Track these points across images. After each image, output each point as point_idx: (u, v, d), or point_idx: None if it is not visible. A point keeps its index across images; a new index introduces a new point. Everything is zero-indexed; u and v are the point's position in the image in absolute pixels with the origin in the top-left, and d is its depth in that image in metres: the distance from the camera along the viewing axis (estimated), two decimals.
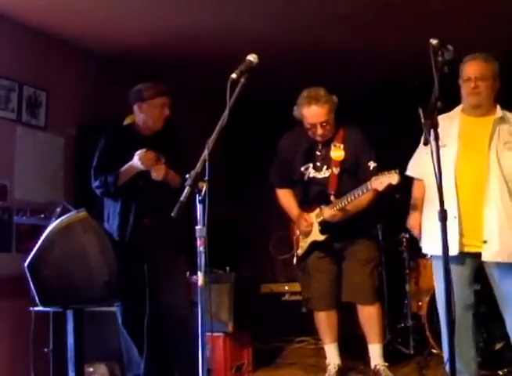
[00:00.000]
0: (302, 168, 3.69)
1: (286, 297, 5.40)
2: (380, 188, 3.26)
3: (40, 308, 2.75)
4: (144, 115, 3.43)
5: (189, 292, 3.47)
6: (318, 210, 3.63)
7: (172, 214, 2.25)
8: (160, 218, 2.27)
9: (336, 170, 3.61)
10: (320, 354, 4.08)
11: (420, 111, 3.48)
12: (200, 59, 4.84)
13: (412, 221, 3.23)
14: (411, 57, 4.35)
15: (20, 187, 4.05)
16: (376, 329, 3.65)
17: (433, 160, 2.29)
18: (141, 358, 3.36)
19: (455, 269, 2.89)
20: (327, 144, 3.64)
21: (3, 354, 3.84)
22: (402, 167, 3.32)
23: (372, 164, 3.55)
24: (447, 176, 2.85)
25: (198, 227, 2.25)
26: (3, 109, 4.01)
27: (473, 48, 3.03)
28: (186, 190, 2.25)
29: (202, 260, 2.23)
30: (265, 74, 2.74)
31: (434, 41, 2.36)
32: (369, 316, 3.64)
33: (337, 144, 3.62)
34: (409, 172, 3.26)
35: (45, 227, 2.83)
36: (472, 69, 2.97)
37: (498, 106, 3.02)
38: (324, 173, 3.64)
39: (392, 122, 5.45)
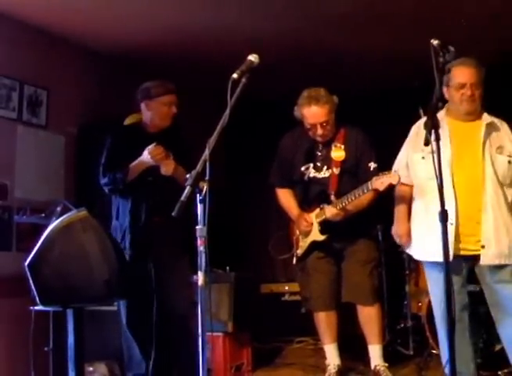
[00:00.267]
0: (302, 168, 3.69)
1: (286, 297, 5.40)
2: (381, 188, 3.25)
3: (40, 307, 2.74)
4: (151, 113, 3.43)
5: (191, 292, 3.47)
6: (318, 210, 3.63)
7: (173, 213, 2.26)
8: (169, 216, 2.26)
9: (336, 170, 3.61)
10: (320, 354, 4.09)
11: (421, 112, 3.49)
12: (201, 58, 4.84)
13: (400, 229, 3.16)
14: (411, 58, 4.35)
15: (21, 186, 4.06)
16: (376, 330, 3.65)
17: (433, 161, 2.29)
18: (142, 357, 3.36)
19: (454, 273, 2.90)
20: (328, 144, 3.65)
21: (3, 353, 3.84)
22: None
23: (372, 165, 3.56)
24: (444, 183, 2.85)
25: (198, 227, 2.25)
26: (4, 108, 4.02)
27: (472, 49, 3.02)
28: (187, 190, 2.26)
29: (202, 260, 2.24)
30: (265, 74, 2.74)
31: (435, 42, 2.36)
32: (368, 317, 3.64)
33: (338, 144, 3.63)
34: None
35: (46, 226, 2.83)
36: (467, 75, 2.92)
37: (485, 112, 3.02)
38: (324, 173, 3.65)
39: (392, 123, 5.44)
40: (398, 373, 3.84)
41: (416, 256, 3.15)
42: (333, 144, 3.63)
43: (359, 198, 3.44)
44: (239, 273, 4.30)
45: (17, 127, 4.10)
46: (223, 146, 2.37)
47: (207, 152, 2.28)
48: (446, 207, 2.78)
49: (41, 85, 4.27)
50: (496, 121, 3.02)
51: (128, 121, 3.86)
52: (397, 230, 3.18)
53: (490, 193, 2.90)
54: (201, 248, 2.24)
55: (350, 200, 3.44)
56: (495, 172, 2.92)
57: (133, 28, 4.36)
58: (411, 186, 3.16)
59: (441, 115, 3.04)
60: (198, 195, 2.25)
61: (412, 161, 3.08)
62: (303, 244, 3.76)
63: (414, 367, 4.03)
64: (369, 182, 3.32)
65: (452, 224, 2.85)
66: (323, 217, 3.59)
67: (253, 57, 2.44)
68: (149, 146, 3.25)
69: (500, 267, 2.91)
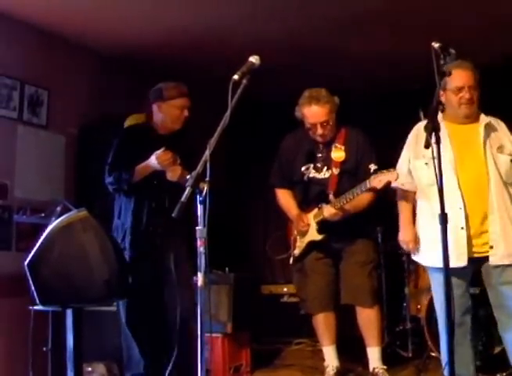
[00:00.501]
0: (303, 168, 3.70)
1: (285, 298, 5.40)
2: (379, 186, 3.26)
3: (39, 307, 2.74)
4: (163, 115, 3.42)
5: (193, 294, 3.47)
6: (316, 209, 3.63)
7: (173, 214, 2.26)
8: (171, 219, 2.26)
9: (336, 170, 3.62)
10: (318, 356, 4.08)
11: (421, 114, 3.49)
12: (204, 59, 4.84)
13: (406, 236, 3.15)
14: (412, 60, 4.35)
15: (21, 186, 4.06)
16: (375, 332, 3.65)
17: (434, 164, 2.29)
18: (141, 357, 3.36)
19: (459, 276, 2.92)
20: (328, 145, 3.66)
21: (2, 352, 3.84)
22: None
23: (372, 167, 3.56)
24: (451, 188, 2.86)
25: (198, 228, 2.25)
26: (4, 107, 4.02)
27: (472, 51, 3.02)
28: (187, 191, 2.26)
29: (202, 261, 2.24)
30: (266, 75, 2.74)
31: (436, 45, 2.36)
32: (367, 320, 3.64)
33: (338, 145, 3.64)
34: (394, 184, 3.20)
35: (46, 226, 2.83)
36: (464, 78, 2.92)
37: (482, 113, 3.02)
38: (324, 174, 3.65)
39: (392, 125, 5.45)
40: (396, 375, 3.84)
41: (424, 262, 3.13)
42: (334, 145, 3.64)
43: (358, 198, 3.45)
44: (239, 275, 4.30)
45: (18, 127, 4.11)
46: (223, 147, 2.37)
47: (207, 153, 2.29)
48: (455, 212, 2.82)
49: (42, 85, 4.28)
50: (493, 120, 3.03)
51: (128, 122, 3.85)
52: (403, 237, 3.17)
53: (495, 193, 2.90)
54: (201, 249, 2.24)
55: (348, 199, 3.44)
56: (499, 172, 2.92)
57: (135, 29, 4.36)
58: (414, 192, 3.15)
59: (439, 119, 3.05)
60: (198, 196, 2.25)
61: (415, 168, 3.07)
62: (300, 244, 3.76)
63: (413, 369, 4.03)
64: (368, 181, 3.32)
65: (462, 228, 2.86)
66: (321, 217, 3.59)
67: (254, 59, 2.44)
68: (158, 151, 3.23)
69: (507, 268, 2.90)
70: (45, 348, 3.12)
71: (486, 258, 2.91)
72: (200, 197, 2.25)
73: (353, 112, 3.82)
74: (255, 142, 6.04)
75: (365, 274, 3.64)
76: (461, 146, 2.97)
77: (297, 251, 3.78)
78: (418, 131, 3.08)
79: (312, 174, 3.68)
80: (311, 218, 3.67)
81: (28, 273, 2.69)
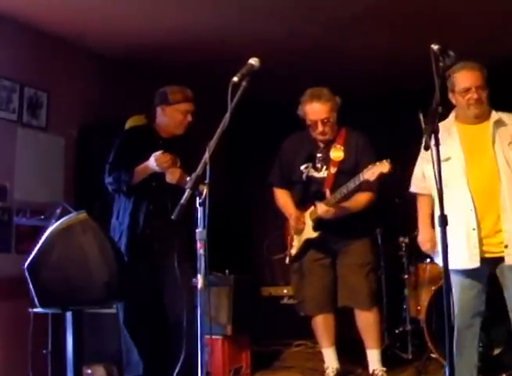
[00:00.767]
0: (302, 167, 3.71)
1: (285, 300, 5.40)
2: (372, 178, 3.28)
3: (39, 309, 2.74)
4: (166, 119, 3.42)
5: (192, 296, 3.47)
6: (312, 207, 3.64)
7: (172, 216, 2.26)
8: (170, 221, 2.27)
9: (333, 169, 3.63)
10: (318, 357, 4.08)
11: (421, 116, 3.49)
12: (203, 59, 4.84)
13: (423, 237, 3.17)
14: (412, 61, 4.35)
15: (20, 188, 4.05)
16: (374, 335, 3.65)
17: (433, 166, 2.29)
18: (140, 359, 3.36)
19: (473, 278, 2.90)
20: (328, 146, 3.67)
21: (1, 355, 3.83)
22: (401, 170, 3.33)
23: None
24: (461, 190, 2.87)
25: (198, 230, 2.25)
26: (4, 110, 4.02)
27: (473, 53, 3.02)
28: (187, 193, 2.26)
29: (202, 263, 2.24)
30: (266, 76, 2.74)
31: (435, 47, 2.35)
32: (366, 323, 3.64)
33: (338, 146, 3.65)
34: (412, 189, 3.24)
35: (45, 228, 2.83)
36: (471, 79, 2.91)
37: (493, 110, 3.01)
38: (323, 173, 3.67)
39: (392, 125, 5.46)
40: None
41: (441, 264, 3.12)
42: (333, 145, 3.66)
43: (355, 198, 3.49)
44: (239, 276, 4.30)
45: (17, 129, 4.10)
46: (224, 149, 2.37)
47: (207, 155, 2.29)
48: (466, 214, 2.83)
49: (41, 87, 4.27)
50: (504, 116, 3.00)
51: (129, 124, 3.86)
52: (420, 237, 3.19)
53: (507, 190, 2.87)
54: (201, 251, 2.24)
55: (343, 193, 3.45)
56: (510, 168, 2.89)
57: (134, 30, 4.36)
58: (430, 195, 3.13)
59: (450, 121, 3.05)
60: (198, 198, 2.25)
61: (426, 172, 3.07)
62: (297, 244, 3.76)
63: (413, 371, 4.03)
64: (361, 174, 3.34)
65: (474, 229, 2.85)
66: (316, 214, 3.59)
67: (253, 61, 2.45)
68: (157, 153, 3.24)
69: None
70: (44, 351, 3.12)
71: (502, 259, 2.88)
72: (200, 199, 2.25)
73: (353, 112, 3.82)
74: (255, 143, 6.05)
75: (362, 276, 3.63)
76: (472, 147, 2.96)
77: (293, 251, 3.78)
78: None
79: (311, 173, 3.69)
80: (308, 216, 3.67)
81: (28, 276, 2.69)
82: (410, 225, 4.60)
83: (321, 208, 3.52)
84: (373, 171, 3.27)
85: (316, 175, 3.68)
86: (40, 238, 2.75)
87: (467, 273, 2.89)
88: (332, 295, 3.71)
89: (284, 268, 4.15)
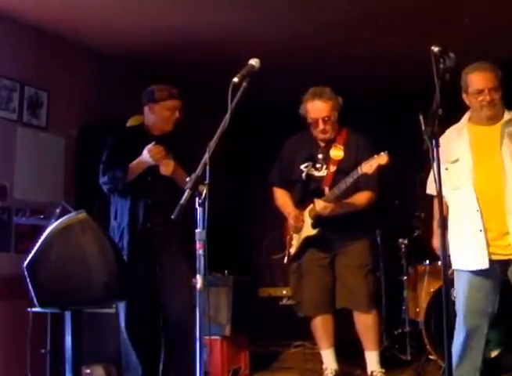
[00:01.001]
0: (302, 167, 3.72)
1: (284, 301, 5.39)
2: (370, 171, 3.29)
3: (38, 309, 2.74)
4: (154, 116, 3.44)
5: (191, 295, 3.47)
6: (311, 205, 3.64)
7: (172, 216, 2.26)
8: (168, 217, 2.27)
9: (332, 168, 3.64)
10: (317, 358, 4.08)
11: (421, 118, 3.48)
12: (203, 59, 4.84)
13: (437, 240, 3.14)
14: (412, 63, 4.35)
15: (20, 187, 4.05)
16: (372, 337, 3.65)
17: (433, 168, 2.29)
18: (139, 362, 3.35)
19: (483, 279, 2.88)
20: (329, 146, 3.67)
21: (0, 355, 3.83)
22: (402, 170, 3.33)
23: None
24: (467, 192, 2.87)
25: (198, 230, 2.25)
26: (4, 109, 4.02)
27: (474, 54, 3.02)
28: (186, 193, 2.26)
29: (201, 263, 2.24)
30: (266, 76, 2.74)
31: (435, 49, 2.35)
32: (365, 325, 3.64)
33: (338, 145, 3.67)
34: (429, 191, 3.21)
35: (45, 228, 2.83)
36: (483, 81, 2.89)
37: (506, 110, 2.98)
38: (323, 172, 3.68)
39: (392, 125, 5.46)
40: None
41: (454, 266, 3.05)
42: (334, 144, 3.67)
43: (355, 197, 3.51)
44: (238, 277, 4.31)
45: (17, 128, 4.10)
46: (223, 148, 2.37)
47: (207, 155, 2.29)
48: (472, 215, 2.83)
49: (41, 87, 4.27)
50: None
51: (130, 123, 3.87)
52: (436, 242, 3.17)
53: None
54: (200, 252, 2.24)
55: (341, 189, 3.46)
56: None
57: (135, 29, 4.36)
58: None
59: (463, 122, 3.04)
60: (197, 198, 2.25)
61: (442, 174, 3.06)
62: (296, 242, 3.76)
63: (412, 373, 4.03)
64: (359, 168, 3.35)
65: (480, 230, 2.84)
66: (315, 211, 3.59)
67: (254, 61, 2.44)
68: (149, 145, 3.26)
69: None
70: (43, 351, 3.12)
71: (510, 261, 2.86)
72: (199, 199, 2.25)
73: (353, 112, 3.83)
74: (255, 144, 6.05)
75: (360, 277, 3.62)
76: (481, 148, 2.95)
77: (292, 250, 3.78)
78: (443, 139, 3.07)
79: (311, 172, 3.71)
80: (307, 214, 3.68)
81: (27, 275, 2.69)
82: (410, 226, 4.62)
83: (319, 204, 3.52)
84: (370, 164, 3.28)
85: (316, 173, 3.69)
86: (39, 238, 2.75)
87: (476, 274, 2.88)
88: (330, 296, 3.70)
89: (283, 269, 4.15)
